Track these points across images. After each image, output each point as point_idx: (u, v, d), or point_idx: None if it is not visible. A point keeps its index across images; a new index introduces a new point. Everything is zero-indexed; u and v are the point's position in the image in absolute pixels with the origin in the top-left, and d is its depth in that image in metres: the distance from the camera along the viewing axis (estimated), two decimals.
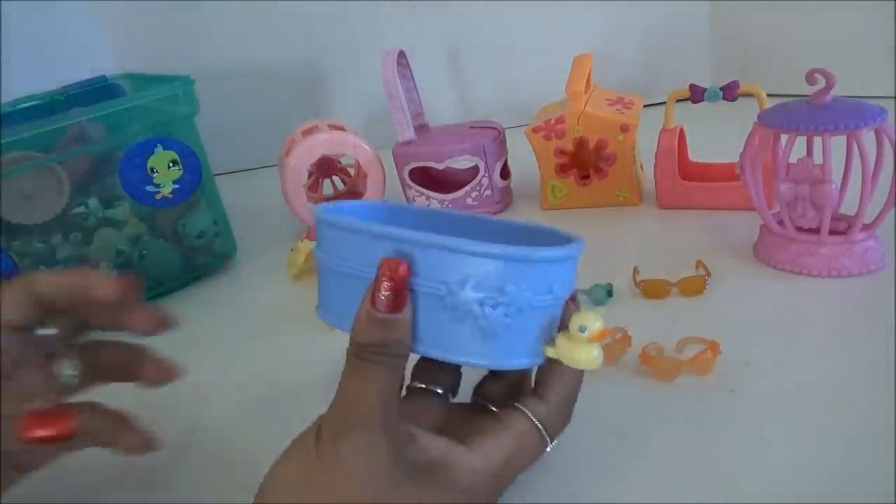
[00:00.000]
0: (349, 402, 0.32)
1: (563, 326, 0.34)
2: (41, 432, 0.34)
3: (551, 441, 0.35)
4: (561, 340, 0.33)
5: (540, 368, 0.36)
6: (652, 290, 0.55)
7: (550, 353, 0.33)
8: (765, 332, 0.48)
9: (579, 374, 0.36)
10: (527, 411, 0.35)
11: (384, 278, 0.31)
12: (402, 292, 0.32)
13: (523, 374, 0.39)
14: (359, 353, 0.32)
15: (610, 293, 0.55)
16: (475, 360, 0.32)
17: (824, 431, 0.39)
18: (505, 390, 0.38)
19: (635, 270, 0.57)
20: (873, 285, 0.52)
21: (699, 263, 0.58)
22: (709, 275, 0.56)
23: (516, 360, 0.33)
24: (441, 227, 0.35)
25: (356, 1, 1.03)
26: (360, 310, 0.32)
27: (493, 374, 0.40)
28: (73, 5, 0.98)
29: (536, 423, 0.34)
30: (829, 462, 0.37)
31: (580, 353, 0.32)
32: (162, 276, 0.69)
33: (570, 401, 0.36)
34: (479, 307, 0.31)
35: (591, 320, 0.32)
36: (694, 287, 0.54)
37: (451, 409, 0.39)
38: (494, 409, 0.37)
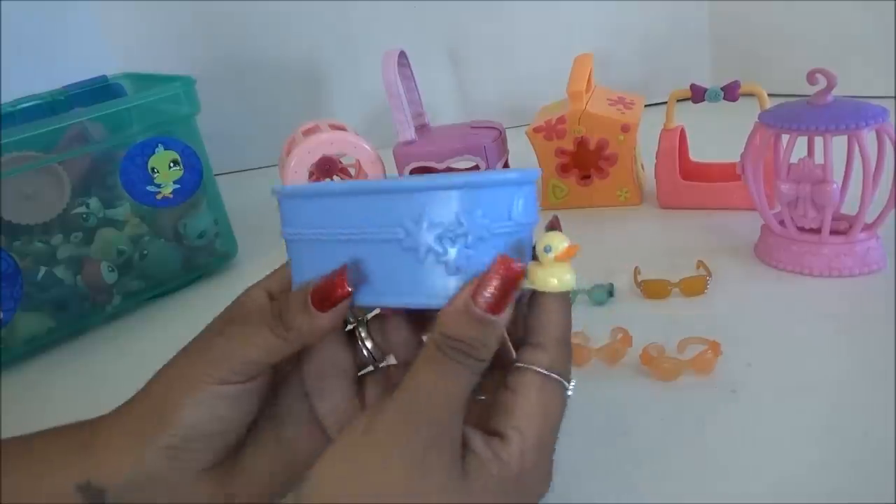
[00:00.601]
0: (420, 394, 0.30)
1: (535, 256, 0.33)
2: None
3: (568, 383, 0.33)
4: (532, 268, 0.32)
5: (523, 319, 0.34)
6: (653, 290, 0.55)
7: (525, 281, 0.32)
8: (766, 333, 0.48)
9: (565, 307, 0.33)
10: (531, 366, 0.32)
11: (495, 276, 0.30)
12: (510, 294, 0.30)
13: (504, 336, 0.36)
14: (443, 345, 0.30)
15: (611, 293, 0.55)
16: (444, 300, 0.31)
17: (824, 431, 0.39)
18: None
19: (636, 270, 0.57)
20: (874, 285, 0.52)
21: (700, 263, 0.58)
22: (710, 275, 0.56)
23: None
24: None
25: (356, 1, 1.03)
26: (456, 299, 0.30)
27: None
28: (74, 5, 0.98)
29: (546, 373, 0.32)
30: (829, 462, 0.37)
31: (550, 275, 0.31)
32: (163, 276, 0.69)
33: (566, 338, 0.33)
34: (438, 243, 0.30)
35: (555, 239, 0.31)
36: (695, 287, 0.54)
37: None
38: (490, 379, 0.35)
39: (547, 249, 0.31)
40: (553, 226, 0.35)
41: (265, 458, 0.35)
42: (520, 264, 0.31)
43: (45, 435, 0.34)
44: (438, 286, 0.31)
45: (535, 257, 0.32)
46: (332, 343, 0.36)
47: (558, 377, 0.32)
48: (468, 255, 0.31)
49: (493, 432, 0.31)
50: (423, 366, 0.30)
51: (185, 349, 0.34)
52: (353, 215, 0.32)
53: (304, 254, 0.35)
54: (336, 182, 0.36)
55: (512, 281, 0.30)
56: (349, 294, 0.31)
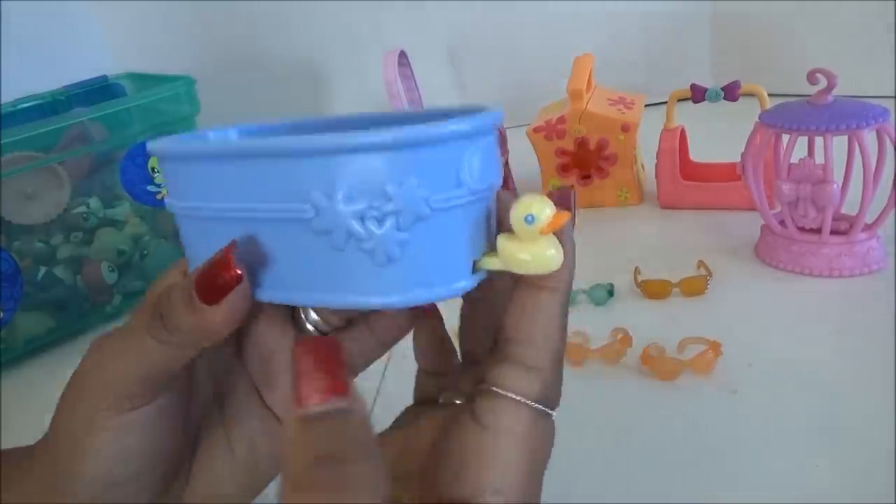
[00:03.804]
0: None
1: (504, 227, 0.24)
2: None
3: (553, 410, 0.25)
4: (503, 242, 0.24)
5: (501, 319, 0.25)
6: (653, 290, 0.55)
7: (490, 263, 0.24)
8: (766, 332, 0.48)
9: (561, 306, 0.24)
10: (511, 394, 0.24)
11: (307, 355, 0.21)
12: (337, 369, 0.21)
13: (475, 337, 0.29)
14: (303, 493, 0.19)
15: (611, 293, 0.55)
16: (373, 298, 0.23)
17: (824, 431, 0.39)
18: (463, 371, 0.29)
19: (636, 270, 0.57)
20: (874, 285, 0.52)
21: (700, 263, 0.58)
22: (710, 275, 0.56)
23: (435, 287, 0.23)
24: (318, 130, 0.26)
25: (357, 1, 1.03)
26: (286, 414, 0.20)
27: (435, 352, 0.30)
28: (74, 5, 0.98)
29: (532, 404, 0.23)
30: (829, 462, 0.37)
31: (531, 252, 0.23)
32: None
33: (560, 350, 0.25)
34: (359, 224, 0.22)
35: (538, 205, 0.23)
36: (695, 287, 0.54)
37: (403, 427, 0.28)
38: (459, 401, 0.27)
39: (529, 219, 0.23)
40: (560, 198, 0.25)
41: (221, 467, 0.29)
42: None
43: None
44: (365, 281, 0.23)
45: (502, 229, 0.25)
46: (270, 320, 0.29)
47: (548, 410, 0.24)
48: (401, 239, 0.23)
49: (457, 500, 0.23)
50: None
51: (76, 371, 0.26)
52: (247, 186, 0.24)
53: (195, 235, 0.27)
54: (222, 139, 0.29)
55: (333, 352, 0.21)
56: (239, 277, 0.24)
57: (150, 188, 0.65)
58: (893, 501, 0.34)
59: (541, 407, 0.24)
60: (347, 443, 0.20)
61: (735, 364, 0.45)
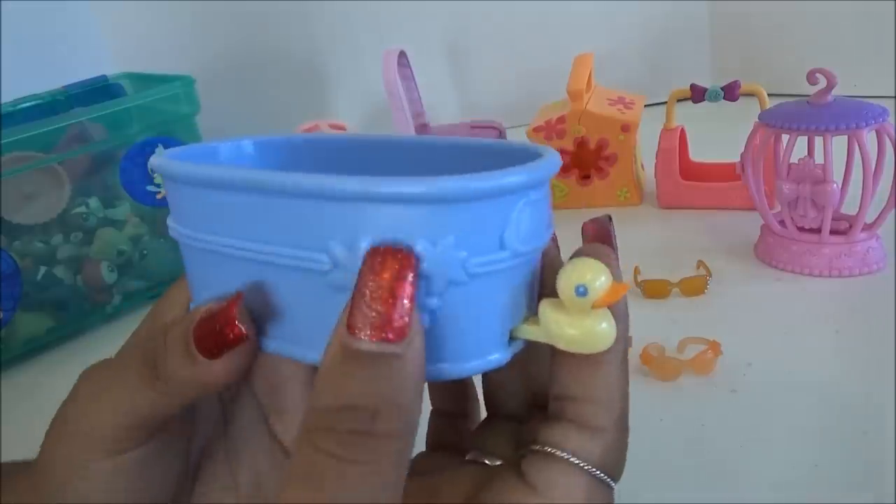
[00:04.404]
0: None
1: (548, 293, 0.21)
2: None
3: (615, 482, 0.22)
4: (546, 310, 0.21)
5: (554, 373, 0.22)
6: (653, 289, 0.55)
7: (531, 333, 0.21)
8: (766, 332, 0.48)
9: (621, 357, 0.22)
10: (569, 455, 0.21)
11: (375, 274, 0.18)
12: (401, 298, 0.18)
13: (508, 390, 0.26)
14: (315, 437, 0.18)
15: None
16: None
17: (824, 431, 0.39)
18: (493, 426, 0.26)
19: (636, 270, 0.57)
20: (874, 285, 0.52)
21: (700, 263, 0.58)
22: (710, 275, 0.56)
23: (463, 362, 0.21)
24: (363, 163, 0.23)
25: (357, 1, 1.03)
26: (328, 346, 0.19)
27: (453, 389, 0.27)
28: (74, 5, 0.98)
29: (592, 470, 0.21)
30: (829, 462, 0.37)
31: (580, 327, 0.20)
32: (163, 275, 0.69)
33: (625, 412, 0.22)
34: None
35: (592, 273, 0.19)
36: (695, 287, 0.54)
37: (422, 475, 0.24)
38: (490, 461, 0.24)
39: (580, 291, 0.19)
40: (598, 233, 0.23)
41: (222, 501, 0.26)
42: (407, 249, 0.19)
43: None
44: None
45: (544, 293, 0.22)
46: None
47: (609, 479, 0.21)
48: (434, 307, 0.20)
49: None
50: (288, 487, 0.18)
51: (61, 408, 0.24)
52: (258, 223, 0.21)
53: (197, 264, 0.24)
54: (235, 153, 0.26)
55: (400, 276, 0.18)
56: (244, 336, 0.21)
57: (150, 188, 0.65)
58: (894, 501, 0.34)
59: (601, 475, 0.21)
60: (385, 399, 0.17)
61: (735, 364, 0.45)
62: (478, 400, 0.28)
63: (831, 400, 0.41)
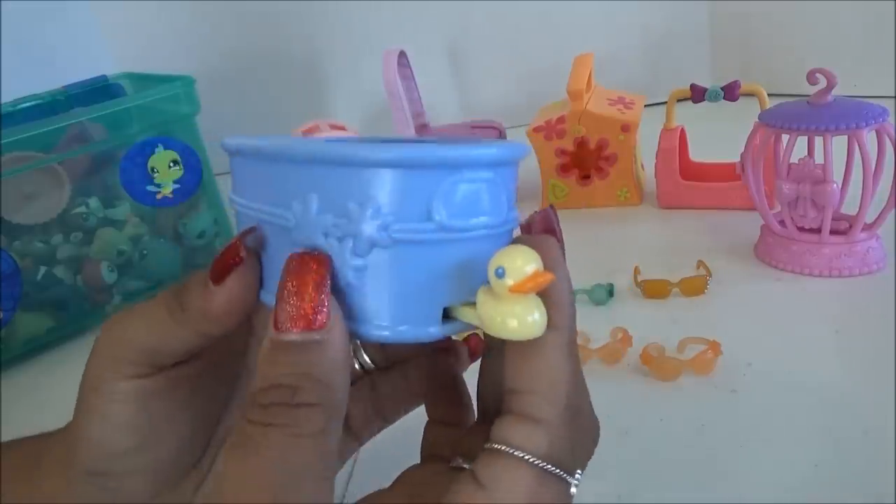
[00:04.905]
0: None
1: None
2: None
3: (571, 476, 0.22)
4: (481, 294, 0.21)
5: (505, 366, 0.23)
6: (653, 289, 0.55)
7: (465, 315, 0.22)
8: (766, 332, 0.48)
9: (564, 344, 0.22)
10: (513, 450, 0.21)
11: (289, 273, 0.21)
12: (318, 294, 0.21)
13: (490, 391, 0.26)
14: (253, 413, 0.20)
15: (611, 293, 0.55)
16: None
17: (824, 431, 0.39)
18: (477, 431, 0.26)
19: (636, 270, 0.57)
20: (874, 285, 0.52)
21: (700, 263, 0.58)
22: (710, 275, 0.56)
23: (399, 324, 0.22)
24: None
25: (357, 1, 1.03)
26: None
27: (446, 396, 0.28)
28: (74, 5, 0.98)
29: (539, 463, 0.21)
30: (829, 462, 0.37)
31: (506, 312, 0.20)
32: (163, 275, 0.69)
33: (574, 400, 0.22)
34: (323, 238, 0.21)
35: (514, 258, 0.20)
36: (695, 287, 0.54)
37: (407, 484, 0.26)
38: (466, 465, 0.25)
39: (499, 273, 0.20)
40: (543, 224, 0.24)
41: None
42: (318, 255, 0.21)
43: (6, 447, 0.29)
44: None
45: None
46: None
47: (559, 471, 0.21)
48: (357, 265, 0.21)
49: None
50: (228, 456, 0.20)
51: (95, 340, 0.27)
52: (259, 186, 0.24)
53: (241, 227, 0.27)
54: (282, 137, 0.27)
55: (312, 275, 0.21)
56: (240, 260, 0.24)
57: (150, 188, 0.65)
58: (894, 502, 0.34)
59: (550, 467, 0.21)
60: (308, 378, 0.20)
61: (735, 364, 0.45)
62: (471, 407, 0.29)
63: (831, 400, 0.41)
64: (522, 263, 0.20)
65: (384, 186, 0.21)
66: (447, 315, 0.22)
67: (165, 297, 0.25)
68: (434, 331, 0.22)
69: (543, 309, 0.21)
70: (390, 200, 0.21)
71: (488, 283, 0.21)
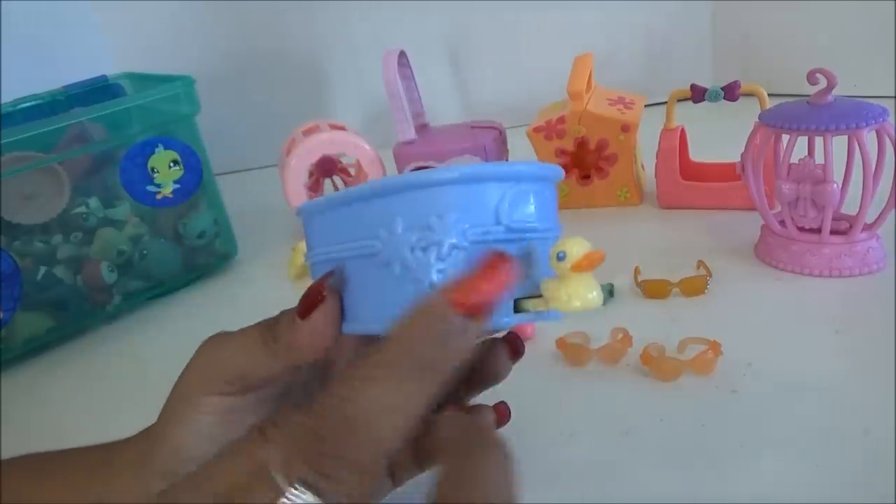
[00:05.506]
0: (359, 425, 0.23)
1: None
2: None
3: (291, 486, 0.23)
4: (545, 282, 0.26)
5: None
6: (653, 290, 0.55)
7: (533, 305, 0.27)
8: (766, 333, 0.48)
9: (501, 463, 0.25)
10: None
11: (477, 272, 0.24)
12: (491, 298, 0.24)
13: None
14: (395, 353, 0.24)
15: (611, 293, 0.55)
16: None
17: (824, 431, 0.39)
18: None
19: (636, 270, 0.57)
20: (874, 285, 0.52)
21: (700, 263, 0.58)
22: (710, 275, 0.56)
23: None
24: None
25: (357, 1, 1.03)
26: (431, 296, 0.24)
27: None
28: (74, 5, 0.98)
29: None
30: (829, 462, 0.37)
31: (567, 289, 0.25)
32: (163, 275, 0.69)
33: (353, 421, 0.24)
34: (410, 253, 0.25)
35: (572, 244, 0.25)
36: (695, 287, 0.54)
37: None
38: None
39: (560, 256, 0.25)
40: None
41: None
42: (506, 261, 0.25)
43: (67, 453, 0.32)
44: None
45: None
46: None
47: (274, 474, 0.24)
48: (441, 269, 0.25)
49: None
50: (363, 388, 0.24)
51: (186, 366, 0.31)
52: (336, 229, 0.28)
53: (316, 275, 0.31)
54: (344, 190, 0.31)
55: (497, 278, 0.24)
56: (323, 298, 0.28)
57: (150, 188, 0.65)
58: (893, 502, 0.34)
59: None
60: (446, 361, 0.24)
61: (735, 364, 0.45)
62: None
63: (831, 400, 0.41)
64: (578, 248, 0.25)
65: (459, 199, 0.25)
66: (516, 308, 0.27)
67: (260, 328, 0.29)
68: (508, 320, 0.27)
69: (599, 287, 0.25)
70: (465, 209, 0.25)
71: (547, 277, 0.26)
